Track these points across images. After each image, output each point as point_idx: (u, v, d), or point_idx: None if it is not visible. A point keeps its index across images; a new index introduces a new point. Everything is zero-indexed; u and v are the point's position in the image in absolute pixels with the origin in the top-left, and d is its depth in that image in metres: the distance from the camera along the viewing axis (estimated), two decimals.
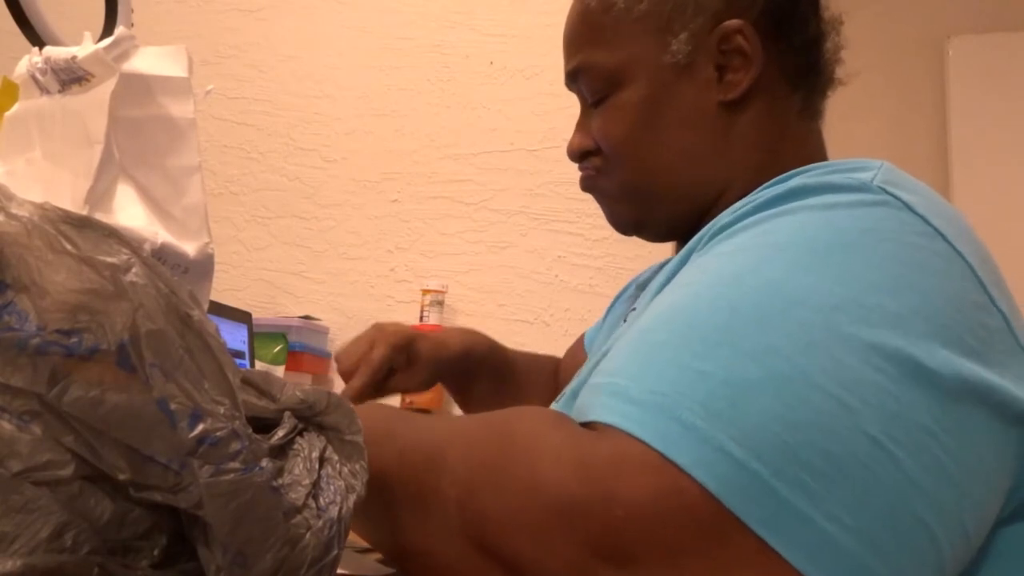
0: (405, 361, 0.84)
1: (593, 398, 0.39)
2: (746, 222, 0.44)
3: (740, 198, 0.49)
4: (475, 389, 0.92)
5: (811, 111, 0.63)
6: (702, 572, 0.33)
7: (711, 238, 0.46)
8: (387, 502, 0.40)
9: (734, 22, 0.59)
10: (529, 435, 0.38)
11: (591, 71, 0.64)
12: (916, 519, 0.34)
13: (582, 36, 0.65)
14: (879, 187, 0.42)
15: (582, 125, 0.68)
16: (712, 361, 0.36)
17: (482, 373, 0.92)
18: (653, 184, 0.63)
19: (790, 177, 0.46)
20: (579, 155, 0.67)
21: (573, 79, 0.66)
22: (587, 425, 0.38)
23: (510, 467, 0.37)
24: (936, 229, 0.41)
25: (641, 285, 0.78)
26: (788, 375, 0.35)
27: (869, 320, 0.37)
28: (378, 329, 0.84)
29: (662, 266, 0.69)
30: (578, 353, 0.93)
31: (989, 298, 0.41)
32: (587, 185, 0.68)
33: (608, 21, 0.63)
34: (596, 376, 0.41)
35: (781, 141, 0.61)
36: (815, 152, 0.63)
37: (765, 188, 0.46)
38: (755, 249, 0.42)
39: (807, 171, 0.46)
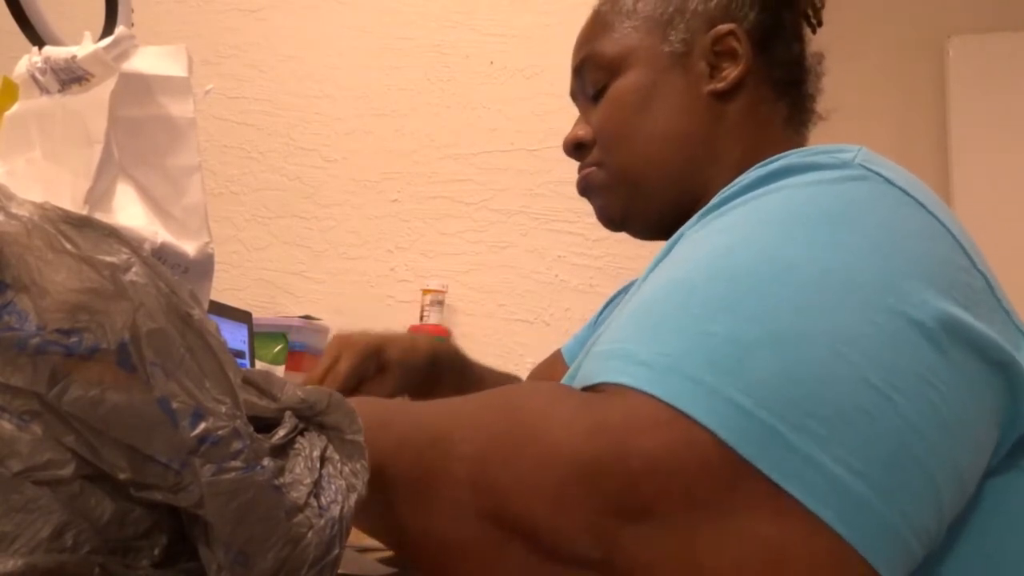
0: (374, 369, 0.80)
1: (599, 363, 0.40)
2: (735, 202, 0.46)
3: None
4: (435, 396, 0.87)
5: (796, 124, 0.68)
6: (717, 519, 0.34)
7: (700, 219, 0.48)
8: (389, 492, 0.40)
9: (728, 25, 0.65)
10: (537, 405, 0.38)
11: (594, 60, 0.69)
12: (917, 462, 0.36)
13: (591, 33, 0.71)
14: (860, 164, 0.44)
15: (580, 120, 0.72)
16: (714, 324, 0.38)
17: (446, 379, 0.87)
18: (644, 170, 0.66)
19: (775, 160, 0.47)
20: (573, 147, 0.71)
21: (579, 73, 0.71)
22: (594, 388, 0.39)
23: (522, 438, 0.37)
24: (916, 200, 0.43)
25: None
26: (787, 334, 0.37)
27: (859, 281, 0.38)
28: (343, 339, 0.80)
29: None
30: (555, 367, 0.92)
31: (971, 262, 0.42)
32: (583, 186, 0.71)
33: (614, 16, 0.69)
34: (599, 345, 0.41)
35: (766, 142, 0.64)
36: None
37: (751, 170, 0.48)
38: (745, 225, 0.43)
39: (791, 154, 0.47)
